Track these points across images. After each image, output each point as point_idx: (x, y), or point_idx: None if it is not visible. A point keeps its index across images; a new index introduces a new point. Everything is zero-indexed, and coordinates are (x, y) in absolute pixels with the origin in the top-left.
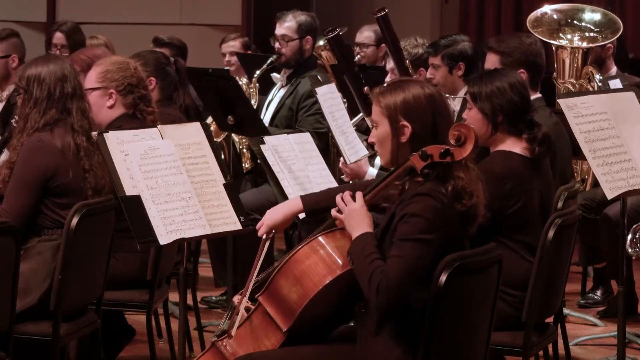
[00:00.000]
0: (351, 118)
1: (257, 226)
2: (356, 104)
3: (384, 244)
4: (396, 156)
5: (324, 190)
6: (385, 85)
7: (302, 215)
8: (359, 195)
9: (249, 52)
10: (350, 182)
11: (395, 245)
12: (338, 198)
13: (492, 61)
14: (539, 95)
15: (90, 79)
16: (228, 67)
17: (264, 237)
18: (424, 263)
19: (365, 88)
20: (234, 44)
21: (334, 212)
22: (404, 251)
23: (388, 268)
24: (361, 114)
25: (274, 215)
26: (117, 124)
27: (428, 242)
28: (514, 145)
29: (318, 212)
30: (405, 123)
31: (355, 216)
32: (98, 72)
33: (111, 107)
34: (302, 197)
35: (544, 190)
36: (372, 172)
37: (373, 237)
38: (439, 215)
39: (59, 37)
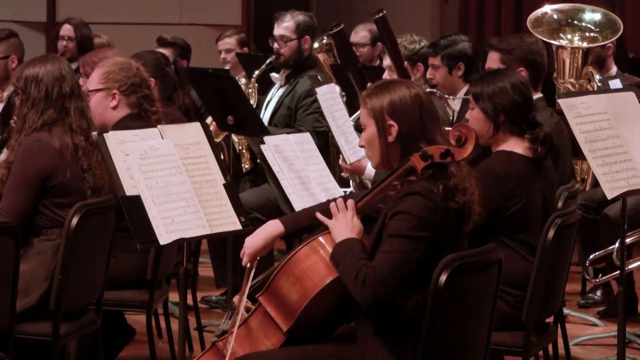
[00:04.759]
0: (350, 114)
1: (240, 255)
2: (356, 100)
3: (379, 245)
4: (386, 157)
5: (303, 210)
6: (371, 87)
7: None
8: (350, 203)
9: (246, 48)
10: (350, 179)
11: (384, 241)
12: (332, 204)
13: (493, 59)
14: (540, 95)
15: (93, 81)
16: (224, 65)
17: (248, 265)
18: (413, 260)
19: (369, 85)
20: (229, 41)
21: (321, 217)
22: (393, 246)
23: (376, 263)
24: (356, 114)
25: (254, 243)
26: (124, 124)
27: (419, 239)
28: (515, 145)
29: (300, 232)
30: (392, 122)
31: (342, 224)
32: (100, 74)
33: (115, 107)
34: (282, 219)
35: (547, 191)
36: (371, 167)
37: (359, 242)
38: (430, 214)
39: (67, 29)
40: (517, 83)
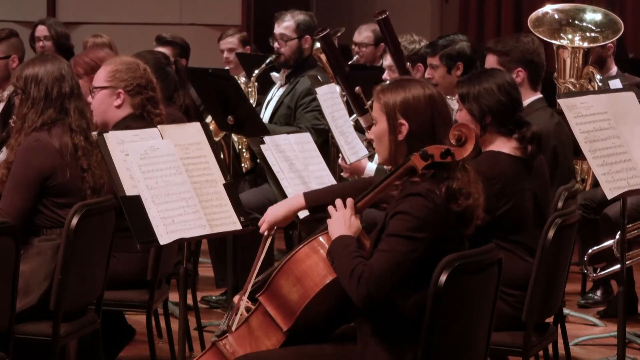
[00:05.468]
0: (350, 114)
1: (259, 223)
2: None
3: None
4: (393, 154)
5: (326, 187)
6: (387, 83)
7: (303, 214)
8: (349, 202)
9: (248, 47)
10: (350, 178)
11: (383, 240)
12: (330, 206)
13: (491, 62)
14: (539, 95)
15: (99, 78)
16: (227, 64)
17: (265, 234)
18: (411, 260)
19: (357, 88)
20: (231, 40)
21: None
22: (390, 246)
23: (372, 261)
24: (354, 115)
25: (276, 212)
26: (125, 124)
27: (417, 240)
28: (502, 146)
29: (320, 208)
30: (403, 121)
31: (339, 221)
32: (107, 71)
33: (119, 106)
34: (305, 194)
35: (538, 190)
36: (371, 167)
37: (355, 240)
38: (430, 215)
39: (41, 30)
40: (504, 84)
